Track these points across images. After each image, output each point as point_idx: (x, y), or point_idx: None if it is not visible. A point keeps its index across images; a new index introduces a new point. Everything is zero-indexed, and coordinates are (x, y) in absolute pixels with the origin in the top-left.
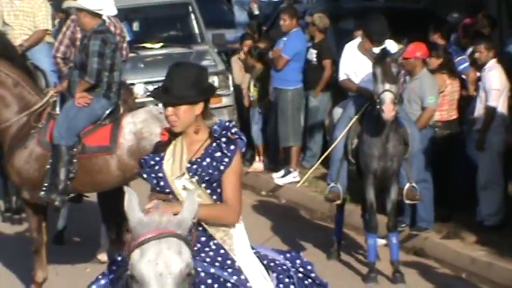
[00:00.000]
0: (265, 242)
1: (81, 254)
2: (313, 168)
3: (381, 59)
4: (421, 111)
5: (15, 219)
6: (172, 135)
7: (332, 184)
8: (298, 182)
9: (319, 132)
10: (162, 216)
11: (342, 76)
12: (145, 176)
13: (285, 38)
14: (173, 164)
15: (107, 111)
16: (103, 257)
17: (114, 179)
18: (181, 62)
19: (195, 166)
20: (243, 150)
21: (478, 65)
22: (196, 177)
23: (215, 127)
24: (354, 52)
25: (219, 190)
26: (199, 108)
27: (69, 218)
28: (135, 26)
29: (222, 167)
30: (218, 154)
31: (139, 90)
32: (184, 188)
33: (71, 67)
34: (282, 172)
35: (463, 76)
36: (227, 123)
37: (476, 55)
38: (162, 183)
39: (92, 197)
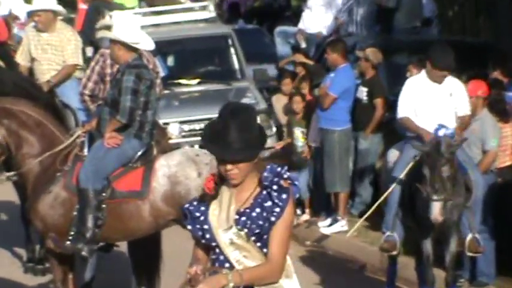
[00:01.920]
0: None
1: None
2: (365, 216)
3: (432, 159)
4: (482, 154)
5: (38, 269)
6: (218, 181)
7: (388, 233)
8: (346, 231)
9: (369, 177)
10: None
11: (401, 113)
12: (189, 227)
13: (332, 74)
14: (220, 215)
15: (139, 153)
16: None
17: (146, 226)
18: (235, 108)
19: (243, 218)
20: (297, 196)
21: None
22: (246, 230)
23: (265, 174)
24: (415, 88)
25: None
26: (256, 160)
27: (97, 268)
28: (170, 60)
29: (273, 218)
30: (269, 204)
31: (173, 130)
32: (232, 243)
33: (100, 104)
34: (328, 221)
35: None
36: (278, 169)
37: None
38: (207, 235)
39: (122, 246)
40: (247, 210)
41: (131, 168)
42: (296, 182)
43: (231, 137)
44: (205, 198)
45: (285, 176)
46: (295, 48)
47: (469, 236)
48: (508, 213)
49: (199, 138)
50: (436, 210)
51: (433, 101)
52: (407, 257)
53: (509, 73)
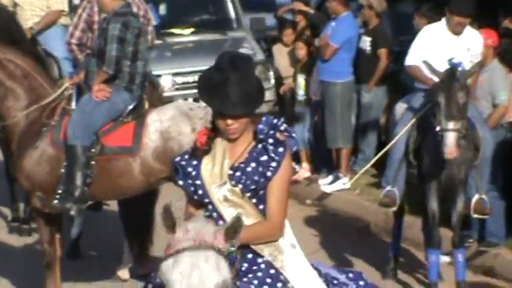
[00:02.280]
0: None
1: (100, 270)
2: (366, 168)
3: (447, 85)
4: (491, 108)
5: (24, 229)
6: (211, 135)
7: (388, 187)
8: (348, 189)
9: (373, 132)
10: (207, 224)
11: (410, 61)
12: (181, 183)
13: (333, 23)
14: (213, 170)
15: (130, 107)
16: (124, 274)
17: (137, 184)
18: (234, 58)
19: (238, 173)
20: (294, 149)
21: None
22: (240, 186)
23: (260, 126)
24: (431, 36)
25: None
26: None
27: (85, 229)
28: (162, 9)
29: (269, 173)
30: (264, 158)
31: (166, 82)
32: (226, 199)
33: (88, 54)
34: (329, 178)
35: None
36: (274, 121)
37: None
38: (200, 191)
39: (113, 204)
40: (242, 165)
41: (121, 123)
42: (294, 134)
43: (232, 90)
44: (198, 153)
45: (282, 128)
46: None
47: (476, 197)
48: None
49: (193, 91)
50: (451, 141)
51: (448, 54)
52: (413, 217)
53: None
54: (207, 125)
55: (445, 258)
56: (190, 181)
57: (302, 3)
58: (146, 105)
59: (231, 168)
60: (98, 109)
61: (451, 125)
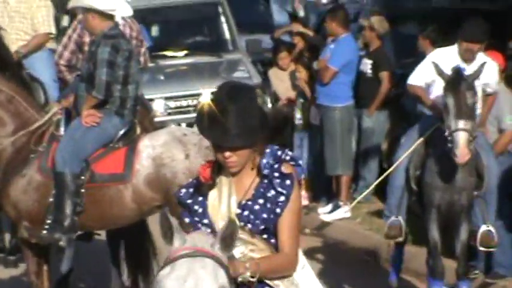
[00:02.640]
0: None
1: None
2: (366, 192)
3: (454, 85)
4: (497, 133)
5: (10, 261)
6: (216, 168)
7: (392, 218)
8: (349, 218)
9: (374, 158)
10: (205, 235)
11: (413, 80)
12: (187, 220)
13: (332, 45)
14: (219, 208)
15: (120, 132)
16: None
17: (129, 213)
18: (233, 89)
19: (246, 212)
20: (302, 177)
21: None
22: (249, 226)
23: (264, 161)
24: (440, 61)
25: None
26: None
27: (75, 259)
28: (154, 30)
29: (278, 210)
30: (272, 193)
31: (159, 106)
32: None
33: (78, 75)
34: (329, 206)
35: None
36: (279, 152)
37: None
38: (208, 230)
39: (104, 234)
40: (249, 203)
41: (112, 149)
42: (300, 162)
43: (230, 122)
44: (203, 188)
45: (287, 157)
46: (293, 17)
47: (482, 228)
48: None
49: (186, 115)
50: (463, 141)
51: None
52: (416, 247)
53: None
54: (201, 152)
55: None
56: (197, 219)
57: (300, 25)
58: (138, 130)
59: (239, 206)
60: (87, 135)
61: (461, 124)
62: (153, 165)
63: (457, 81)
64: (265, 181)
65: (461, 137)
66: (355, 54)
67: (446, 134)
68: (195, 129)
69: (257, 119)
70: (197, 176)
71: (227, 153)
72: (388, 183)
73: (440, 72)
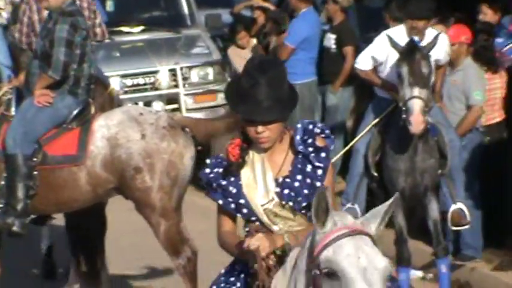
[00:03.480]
0: None
1: None
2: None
3: (408, 55)
4: (465, 110)
5: None
6: (244, 146)
7: (348, 205)
8: None
9: (339, 136)
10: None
11: (361, 64)
12: (220, 202)
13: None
14: (256, 186)
15: (74, 112)
16: None
17: (83, 195)
18: (263, 62)
19: (286, 190)
20: (332, 147)
21: None
22: (291, 204)
23: (297, 137)
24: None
25: None
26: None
27: (28, 244)
28: (109, 4)
29: (318, 183)
30: (309, 168)
31: (114, 85)
32: (276, 215)
33: (30, 55)
34: None
35: None
36: (310, 126)
37: None
38: (245, 210)
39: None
40: (288, 180)
41: (65, 130)
42: (330, 135)
43: (261, 95)
44: (233, 168)
45: (318, 130)
46: None
47: (452, 207)
48: (496, 178)
49: (143, 94)
50: (417, 108)
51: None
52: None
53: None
54: (158, 132)
55: (418, 273)
56: (230, 199)
57: None
58: (92, 110)
59: (277, 184)
60: (39, 115)
61: (416, 91)
62: (108, 145)
63: (411, 51)
64: (300, 156)
65: (416, 104)
66: (314, 30)
67: (401, 104)
68: (152, 108)
69: (287, 91)
70: (223, 156)
71: (260, 128)
72: (348, 172)
73: (394, 45)
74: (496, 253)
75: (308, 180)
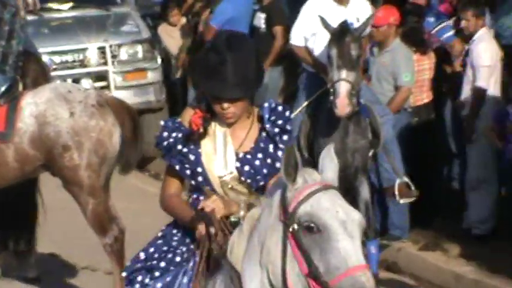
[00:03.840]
0: None
1: None
2: None
3: (339, 37)
4: (394, 91)
5: None
6: (207, 116)
7: None
8: None
9: None
10: (313, 172)
11: (295, 40)
12: (177, 167)
13: None
14: (215, 157)
15: (2, 89)
16: None
17: (11, 173)
18: (231, 38)
19: (247, 167)
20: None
21: (465, 36)
22: (249, 181)
23: (265, 114)
24: (316, 11)
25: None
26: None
27: None
28: None
29: (278, 164)
30: (271, 148)
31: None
32: (232, 188)
33: None
34: None
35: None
36: (280, 108)
37: (462, 23)
38: (200, 178)
39: None
40: (248, 156)
41: None
42: (289, 114)
43: (228, 73)
44: (194, 137)
45: (287, 114)
46: None
47: (398, 181)
48: (424, 158)
49: (72, 71)
50: (343, 91)
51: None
52: None
53: None
54: (87, 110)
55: None
56: (187, 165)
57: None
58: (20, 87)
59: (238, 159)
60: None
61: (343, 74)
62: (36, 123)
63: (342, 33)
64: (264, 135)
65: (343, 86)
66: (240, 10)
67: (329, 86)
68: (81, 85)
69: (254, 69)
70: (181, 121)
71: (225, 105)
72: None
73: (326, 25)
74: (422, 233)
75: (269, 160)
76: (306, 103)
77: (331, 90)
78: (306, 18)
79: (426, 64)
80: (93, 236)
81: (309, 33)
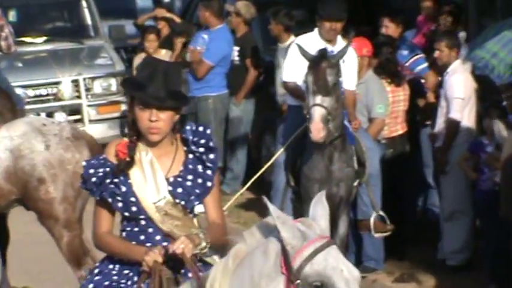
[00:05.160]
0: None
1: None
2: (238, 194)
3: (315, 63)
4: (368, 122)
5: None
6: (131, 145)
7: None
8: None
9: (242, 148)
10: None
11: (286, 77)
12: (109, 199)
13: (204, 35)
14: (147, 185)
15: None
16: None
17: None
18: (160, 60)
19: (180, 190)
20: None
21: (438, 68)
22: (183, 203)
23: (190, 136)
24: (306, 48)
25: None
26: (177, 115)
27: None
28: (12, 15)
29: (209, 183)
30: (200, 168)
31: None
32: (166, 214)
33: None
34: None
35: (421, 80)
36: (201, 128)
37: (436, 53)
38: (134, 208)
39: None
40: (179, 179)
41: None
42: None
43: (158, 83)
44: (121, 167)
45: (208, 131)
46: (157, 2)
47: (374, 215)
48: (399, 190)
49: (46, 104)
50: (317, 116)
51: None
52: None
53: (403, 22)
54: (62, 142)
55: None
56: (119, 198)
57: (164, 10)
58: None
59: (168, 182)
60: None
61: (318, 99)
62: (11, 157)
63: (318, 60)
64: (191, 157)
65: (316, 112)
66: (230, 47)
67: (305, 112)
68: (55, 119)
69: (180, 88)
70: (104, 156)
71: (154, 116)
72: (272, 187)
73: (304, 53)
74: (397, 265)
75: (199, 180)
76: (294, 134)
77: (307, 116)
78: (294, 57)
79: (401, 95)
80: (68, 270)
81: (298, 72)
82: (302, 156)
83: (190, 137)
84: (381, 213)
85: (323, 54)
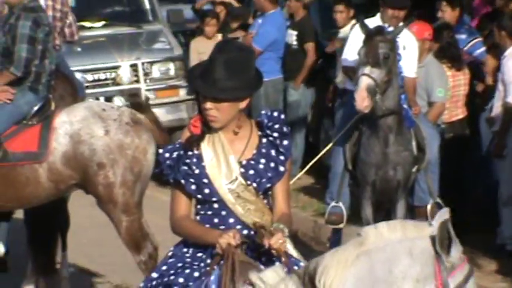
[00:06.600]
0: None
1: (3, 285)
2: (296, 178)
3: (370, 37)
4: (427, 107)
5: None
6: (206, 127)
7: (333, 203)
8: None
9: (300, 132)
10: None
11: (346, 60)
12: (182, 181)
13: (259, 20)
14: (219, 167)
15: (35, 108)
16: None
17: (45, 192)
18: (227, 43)
19: (251, 171)
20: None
21: (497, 51)
22: (255, 185)
23: (264, 120)
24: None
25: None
26: (244, 102)
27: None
28: (71, 0)
29: (281, 168)
30: (273, 153)
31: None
32: (238, 196)
33: None
34: None
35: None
36: (276, 114)
37: (495, 38)
38: (206, 190)
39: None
40: (252, 162)
41: (26, 126)
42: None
43: (217, 74)
44: (192, 141)
45: (282, 117)
46: None
47: (430, 203)
48: (458, 176)
49: (105, 89)
50: (363, 85)
51: None
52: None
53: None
54: (122, 127)
55: None
56: (192, 180)
57: None
58: (53, 106)
59: (240, 165)
60: (0, 112)
61: (366, 69)
62: (71, 142)
63: (373, 33)
64: (265, 141)
65: (363, 81)
66: (282, 32)
67: (354, 83)
68: (114, 104)
69: (248, 75)
70: (179, 141)
71: (208, 105)
72: (330, 171)
73: (363, 27)
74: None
75: (272, 164)
76: (353, 119)
77: (355, 86)
78: (355, 41)
79: (462, 80)
80: (127, 254)
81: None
82: (359, 141)
83: (265, 122)
84: (438, 200)
85: (379, 29)
